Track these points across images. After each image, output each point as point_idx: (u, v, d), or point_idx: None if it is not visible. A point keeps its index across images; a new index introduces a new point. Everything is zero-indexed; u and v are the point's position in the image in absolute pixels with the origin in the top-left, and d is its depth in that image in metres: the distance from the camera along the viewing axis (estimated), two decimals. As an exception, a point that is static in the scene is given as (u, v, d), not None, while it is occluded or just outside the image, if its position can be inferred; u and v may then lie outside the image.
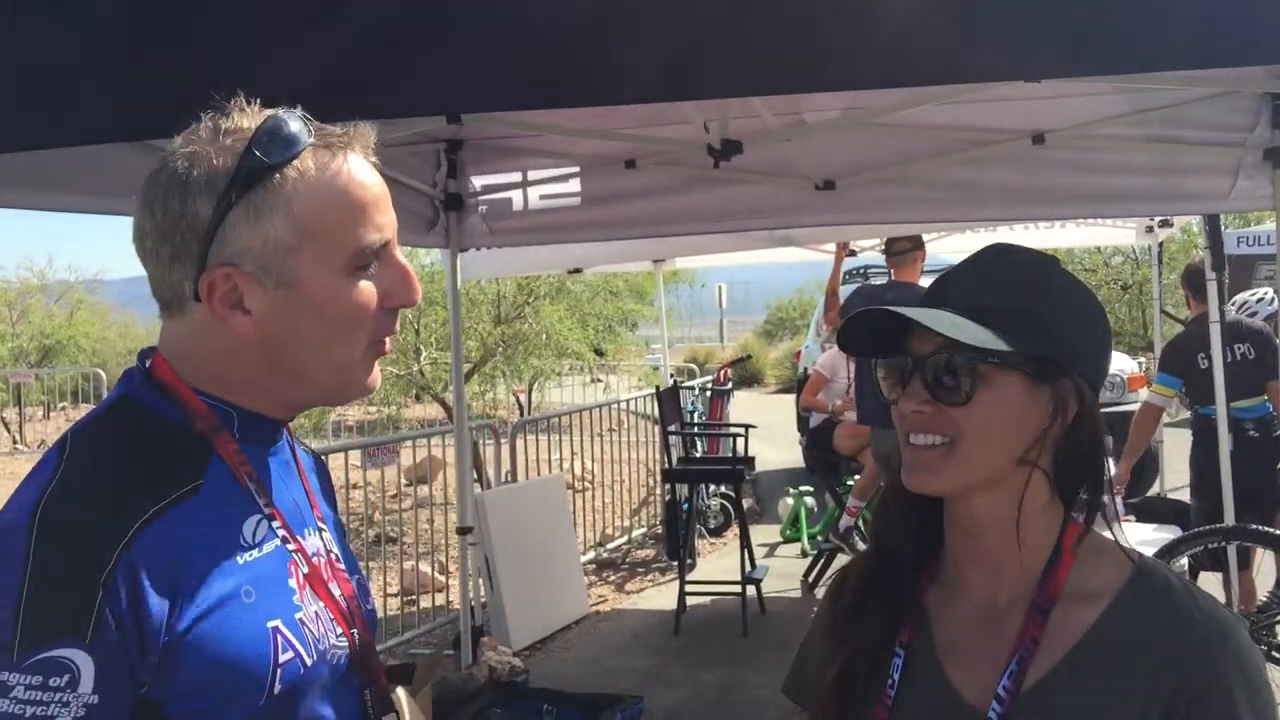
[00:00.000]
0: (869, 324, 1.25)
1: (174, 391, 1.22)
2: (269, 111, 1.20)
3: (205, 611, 1.12)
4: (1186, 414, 6.53)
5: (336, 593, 1.29)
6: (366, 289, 1.21)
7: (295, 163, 1.17)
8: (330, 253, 1.18)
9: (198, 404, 1.22)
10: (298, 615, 1.21)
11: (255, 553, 1.19)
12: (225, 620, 1.13)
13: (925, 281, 6.77)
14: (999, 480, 1.23)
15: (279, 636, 1.17)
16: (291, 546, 1.24)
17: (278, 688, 1.16)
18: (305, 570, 1.25)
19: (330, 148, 1.20)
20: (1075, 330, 1.24)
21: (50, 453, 1.16)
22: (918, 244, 6.55)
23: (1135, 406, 7.27)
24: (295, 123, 1.19)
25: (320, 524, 1.34)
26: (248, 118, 1.19)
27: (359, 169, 1.21)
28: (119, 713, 1.06)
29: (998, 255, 1.30)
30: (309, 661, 1.20)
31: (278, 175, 1.16)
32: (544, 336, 13.18)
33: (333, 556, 1.32)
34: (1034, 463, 1.22)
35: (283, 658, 1.17)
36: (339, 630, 1.26)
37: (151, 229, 1.19)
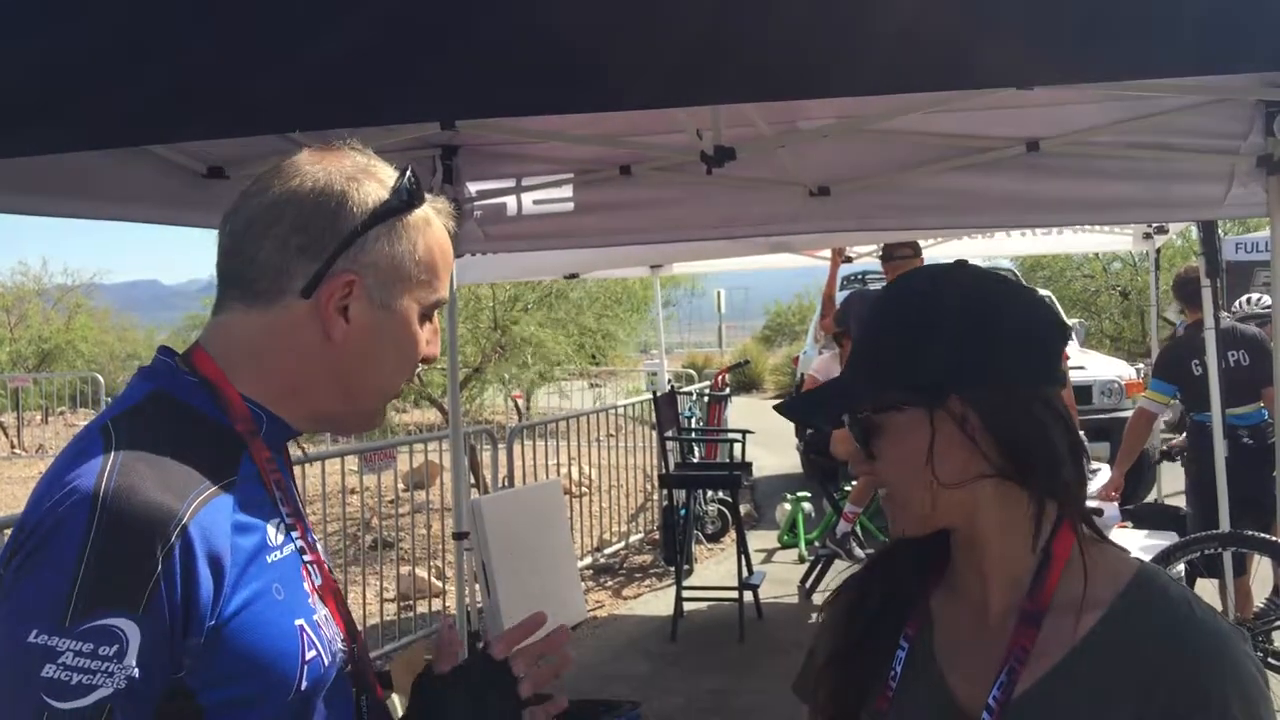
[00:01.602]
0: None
1: (219, 389, 1.27)
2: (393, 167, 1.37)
3: (246, 602, 1.16)
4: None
5: (339, 601, 1.34)
6: (424, 335, 1.36)
7: (424, 210, 1.34)
8: (423, 294, 1.33)
9: (241, 405, 1.27)
10: (315, 617, 1.25)
11: (279, 554, 1.24)
12: (261, 614, 1.17)
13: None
14: (957, 506, 1.25)
15: (305, 634, 1.22)
16: (308, 557, 1.29)
17: (303, 685, 1.20)
18: (319, 581, 1.29)
19: (438, 210, 1.38)
20: (940, 346, 1.23)
21: (90, 438, 1.18)
22: (916, 251, 6.56)
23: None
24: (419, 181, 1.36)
25: (314, 532, 1.37)
26: (377, 159, 1.36)
27: (448, 236, 1.39)
28: (155, 690, 1.09)
29: (882, 295, 1.37)
30: (326, 662, 1.25)
31: (414, 214, 1.33)
32: (531, 347, 13.23)
33: (325, 564, 1.36)
34: (988, 474, 1.23)
35: (308, 655, 1.21)
36: (341, 636, 1.31)
37: (292, 217, 1.27)
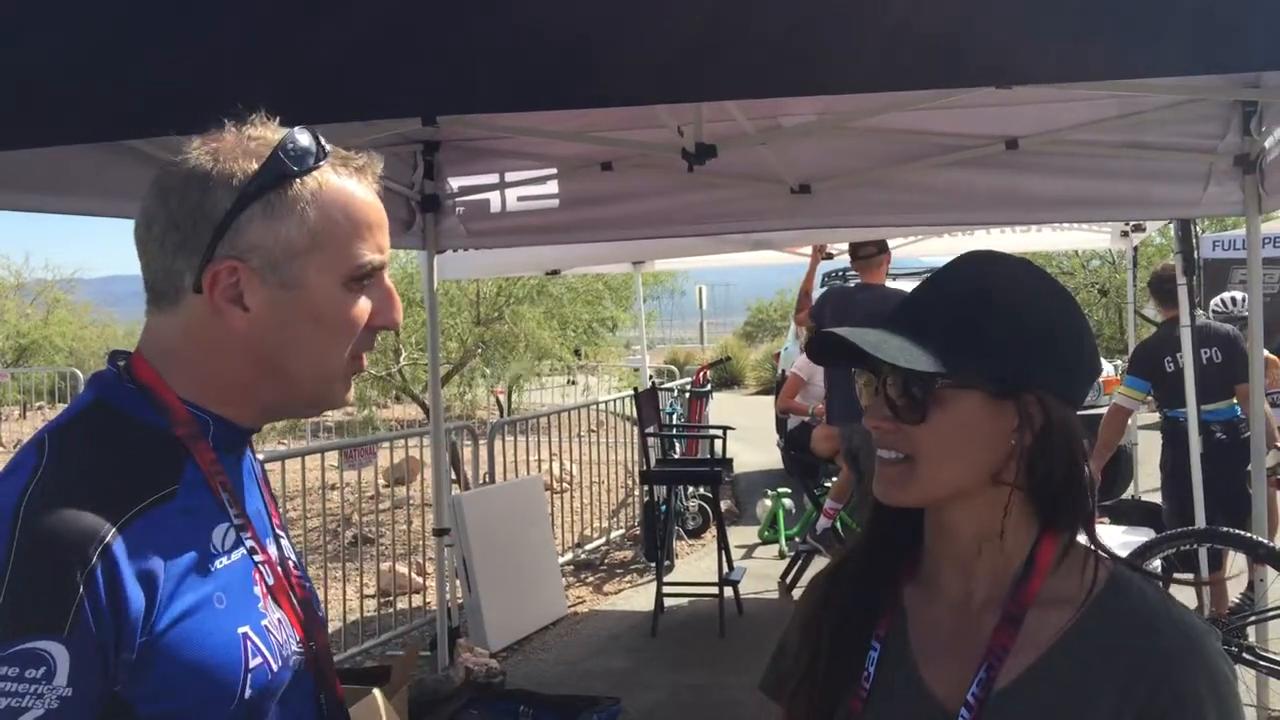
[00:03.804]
0: (845, 345, 1.26)
1: (156, 395, 1.23)
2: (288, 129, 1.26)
3: (181, 614, 1.14)
4: (1157, 416, 6.58)
5: (295, 601, 1.31)
6: (360, 303, 1.27)
7: (315, 173, 1.23)
8: (334, 262, 1.24)
9: (180, 409, 1.23)
10: (263, 622, 1.23)
11: (224, 560, 1.22)
12: (200, 625, 1.15)
13: (892, 284, 6.86)
14: (969, 495, 1.24)
15: (248, 642, 1.19)
16: (259, 557, 1.27)
17: (248, 693, 1.18)
18: (271, 581, 1.27)
19: (347, 167, 1.27)
20: (1039, 344, 1.23)
21: (27, 451, 1.17)
22: (882, 248, 6.65)
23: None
24: (316, 139, 1.26)
25: (278, 531, 1.36)
26: (270, 130, 1.26)
27: (369, 192, 1.28)
28: (92, 706, 1.07)
29: (963, 266, 1.29)
30: (275, 667, 1.22)
31: (298, 181, 1.22)
32: (522, 339, 13.21)
33: (290, 563, 1.34)
34: (1009, 482, 1.22)
35: (252, 663, 1.19)
36: (297, 637, 1.28)
37: (164, 216, 1.22)
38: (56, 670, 1.04)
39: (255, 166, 1.21)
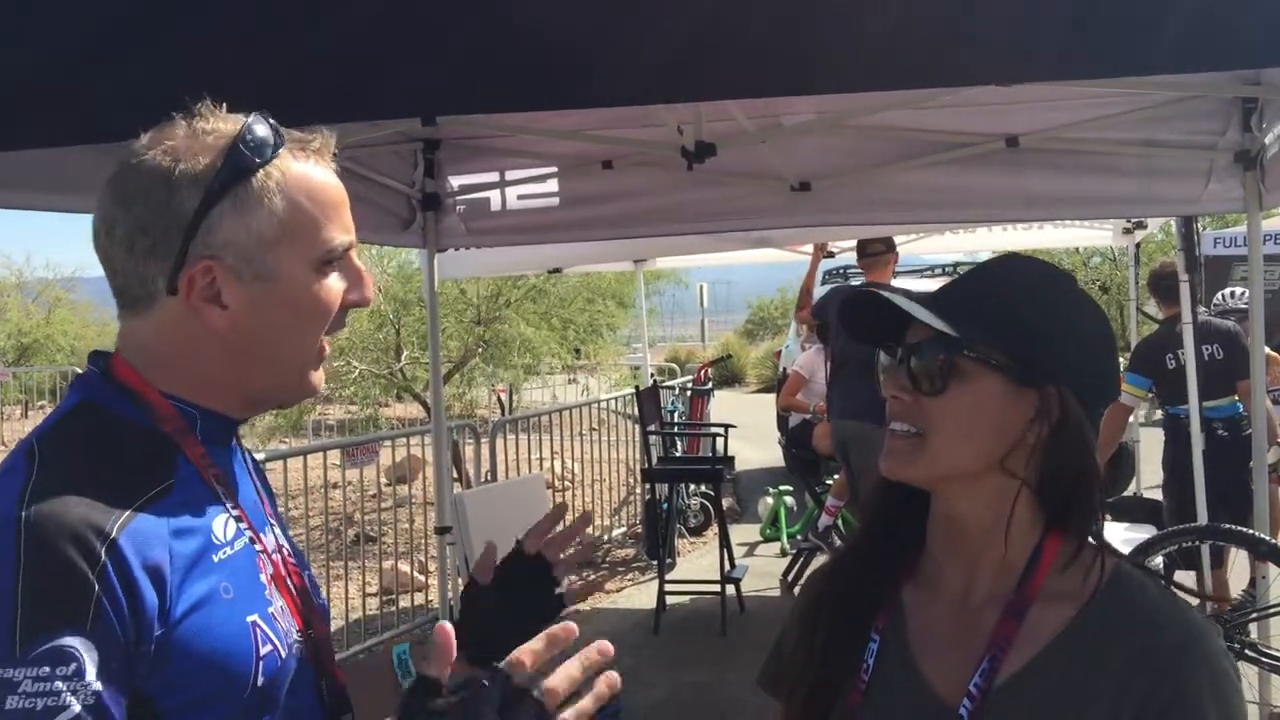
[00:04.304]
0: (874, 314, 1.28)
1: (140, 394, 1.23)
2: (242, 115, 1.25)
3: (192, 606, 1.14)
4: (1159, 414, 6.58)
5: (293, 589, 1.31)
6: (332, 285, 1.27)
7: (276, 162, 1.22)
8: (305, 249, 1.23)
9: (165, 406, 1.24)
10: (270, 610, 1.24)
11: (228, 550, 1.22)
12: (211, 615, 1.16)
13: (897, 282, 6.84)
14: (975, 480, 1.24)
15: (258, 630, 1.20)
16: (258, 546, 1.27)
17: (260, 680, 1.19)
18: (270, 570, 1.28)
19: (305, 150, 1.26)
20: (1068, 343, 1.24)
21: (16, 456, 1.16)
22: (889, 246, 6.61)
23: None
24: (271, 126, 1.24)
25: (271, 520, 1.36)
26: (222, 120, 1.23)
27: (328, 174, 1.28)
28: (119, 701, 1.07)
29: (1003, 262, 1.32)
30: (283, 654, 1.23)
31: (261, 172, 1.21)
32: (518, 342, 13.20)
33: (285, 552, 1.35)
34: (1015, 473, 1.23)
35: (263, 650, 1.20)
36: (296, 625, 1.29)
37: (127, 222, 1.21)
38: (85, 666, 1.04)
39: (217, 162, 1.20)
